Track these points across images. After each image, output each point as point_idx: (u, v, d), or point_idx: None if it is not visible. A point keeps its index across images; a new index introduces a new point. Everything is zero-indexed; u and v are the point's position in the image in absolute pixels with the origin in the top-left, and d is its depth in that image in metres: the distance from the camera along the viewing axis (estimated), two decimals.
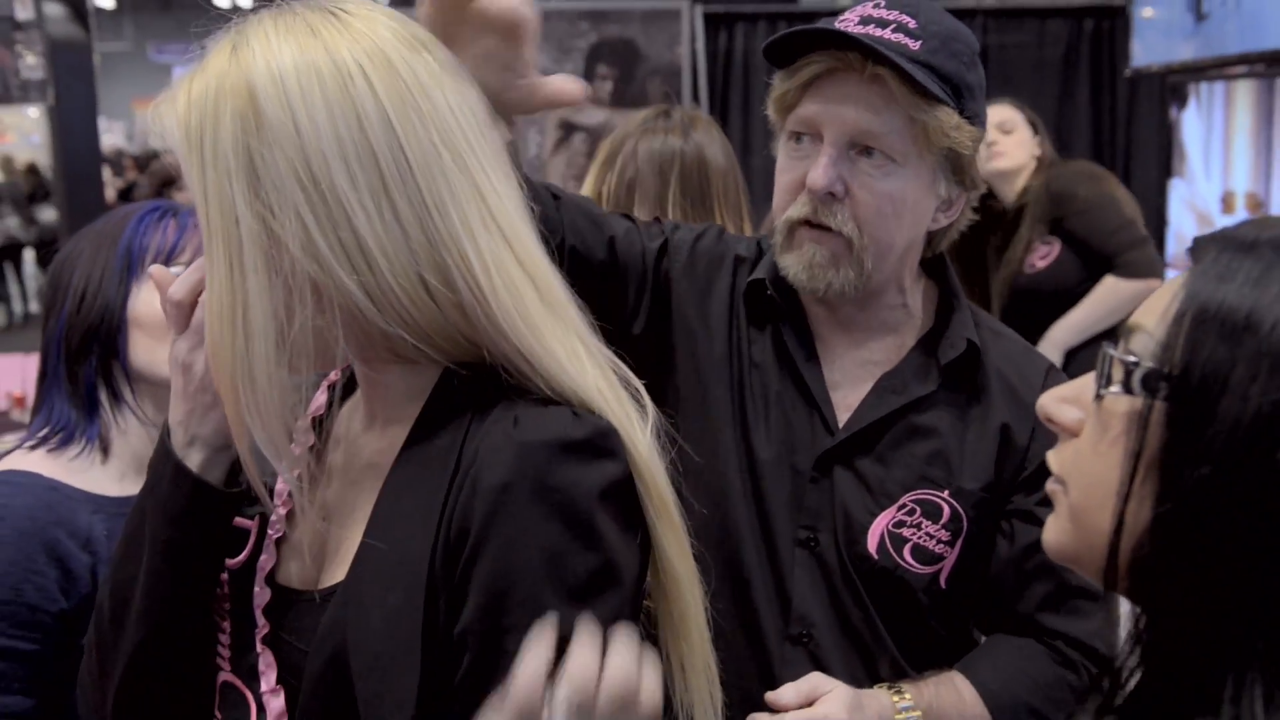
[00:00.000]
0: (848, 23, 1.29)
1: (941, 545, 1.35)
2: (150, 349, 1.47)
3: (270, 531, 1.06)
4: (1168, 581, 0.67)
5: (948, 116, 1.27)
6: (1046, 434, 1.35)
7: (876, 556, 1.35)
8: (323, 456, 1.08)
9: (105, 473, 1.47)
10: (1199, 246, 0.72)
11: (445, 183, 0.91)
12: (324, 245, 0.88)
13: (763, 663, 1.36)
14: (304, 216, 0.88)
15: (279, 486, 1.07)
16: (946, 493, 1.36)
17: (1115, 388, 0.71)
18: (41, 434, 1.47)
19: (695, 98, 6.03)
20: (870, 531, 1.36)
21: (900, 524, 1.36)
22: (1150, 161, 6.14)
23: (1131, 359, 0.70)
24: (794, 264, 1.34)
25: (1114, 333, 0.74)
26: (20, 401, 4.61)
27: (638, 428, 0.94)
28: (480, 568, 0.87)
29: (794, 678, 1.32)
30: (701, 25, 6.09)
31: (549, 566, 0.85)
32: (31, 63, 4.19)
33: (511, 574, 0.85)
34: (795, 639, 1.36)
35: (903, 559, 1.35)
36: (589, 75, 5.95)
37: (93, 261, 1.47)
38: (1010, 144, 3.56)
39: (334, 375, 1.12)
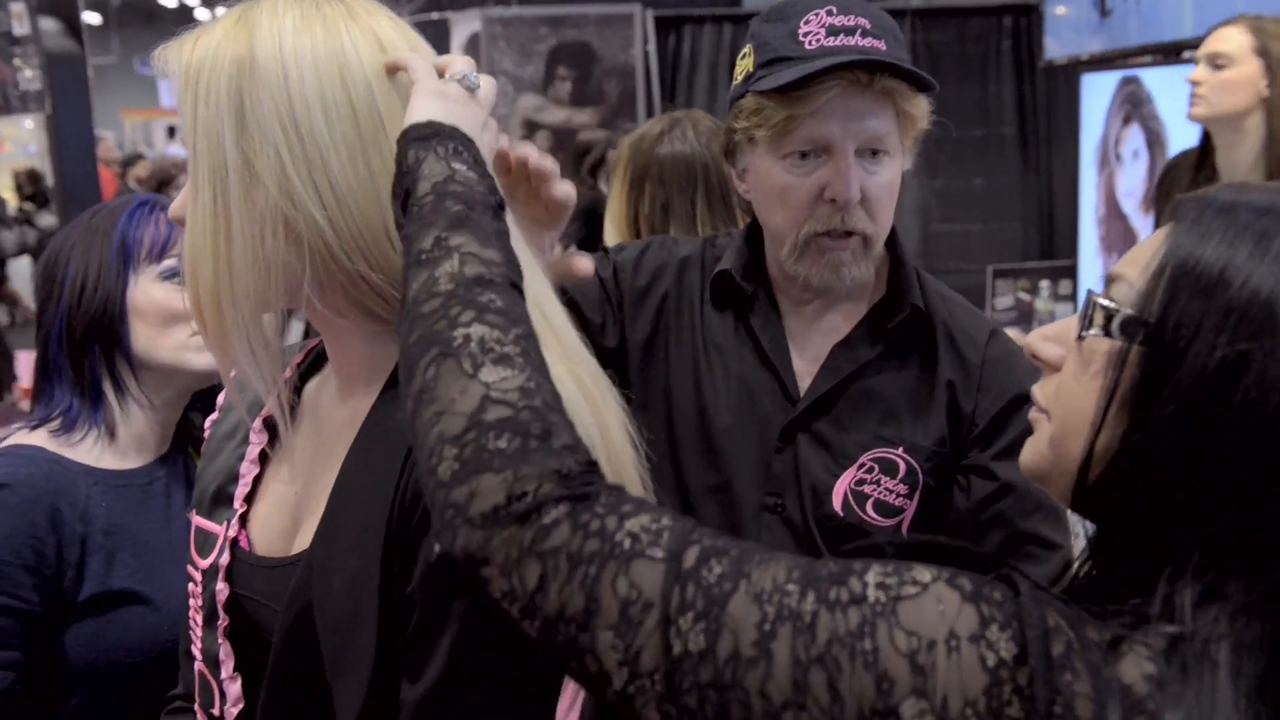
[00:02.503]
0: (816, 36, 1.29)
1: (900, 498, 1.36)
2: (150, 337, 1.44)
3: (236, 506, 1.07)
4: (1126, 499, 0.70)
5: (923, 102, 1.32)
6: (992, 392, 1.36)
7: (842, 514, 1.35)
8: (292, 427, 1.08)
9: (109, 452, 1.45)
10: (1180, 206, 0.74)
11: None
12: (298, 182, 0.90)
13: None
14: (282, 155, 0.90)
15: (244, 467, 1.09)
16: (901, 449, 1.36)
17: (1096, 330, 0.73)
18: (43, 417, 1.45)
19: (648, 94, 6.07)
20: (834, 492, 1.36)
21: (861, 482, 1.36)
22: (1071, 145, 6.24)
23: (1112, 305, 0.72)
24: (817, 271, 1.35)
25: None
26: (28, 393, 4.61)
27: (596, 401, 0.93)
28: (429, 536, 0.87)
29: None
30: (653, 28, 6.11)
31: None
32: (29, 75, 4.18)
33: None
34: None
35: (866, 514, 1.35)
36: (549, 76, 5.98)
37: (87, 255, 1.44)
38: (1214, 85, 2.47)
39: (299, 356, 1.12)
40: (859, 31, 1.28)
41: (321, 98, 0.91)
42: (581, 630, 0.70)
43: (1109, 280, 0.75)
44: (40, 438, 1.42)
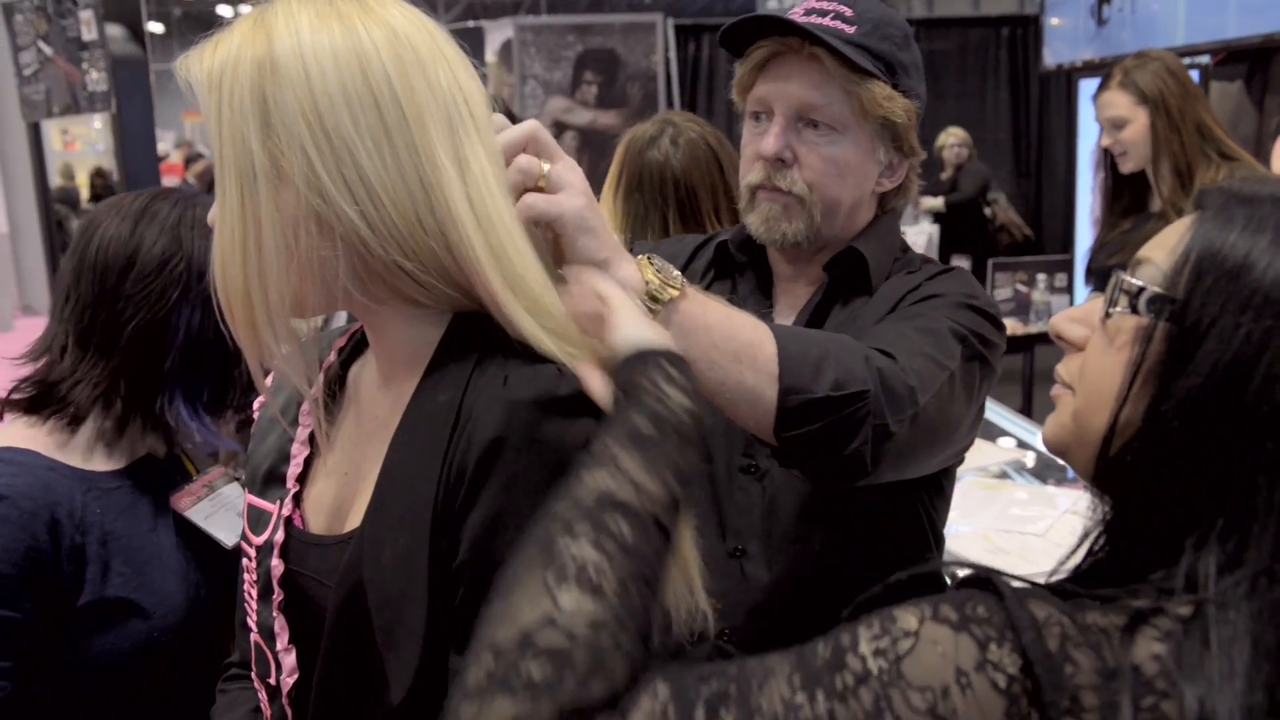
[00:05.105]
0: (794, 14, 1.28)
1: None
2: None
3: (289, 485, 1.03)
4: (1149, 469, 0.68)
5: (880, 89, 1.25)
6: (928, 275, 1.27)
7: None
8: (334, 413, 1.04)
9: (98, 455, 1.34)
10: (1204, 195, 0.73)
11: (434, 139, 0.88)
12: (327, 179, 0.85)
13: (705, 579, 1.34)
14: (309, 152, 0.85)
15: (295, 448, 1.05)
16: None
17: (1123, 308, 0.72)
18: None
19: (669, 98, 6.02)
20: None
21: None
22: (1060, 148, 6.18)
23: (1139, 284, 0.72)
24: (754, 221, 1.33)
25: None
26: None
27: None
28: (476, 512, 0.85)
29: (735, 591, 1.29)
30: (673, 36, 6.08)
31: (536, 509, 0.81)
32: (96, 77, 4.16)
33: (502, 516, 0.84)
34: (731, 553, 1.33)
35: None
36: (576, 80, 5.93)
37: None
38: (1125, 143, 2.69)
39: (342, 340, 1.08)
40: (831, 14, 1.26)
41: (344, 92, 0.85)
42: None
43: (1135, 263, 0.74)
44: (39, 441, 1.32)
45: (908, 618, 0.63)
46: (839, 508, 1.29)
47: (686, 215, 1.98)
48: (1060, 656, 0.60)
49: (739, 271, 1.42)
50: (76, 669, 1.29)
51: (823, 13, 1.26)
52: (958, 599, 0.63)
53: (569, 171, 0.97)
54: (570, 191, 0.96)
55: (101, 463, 1.34)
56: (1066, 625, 0.62)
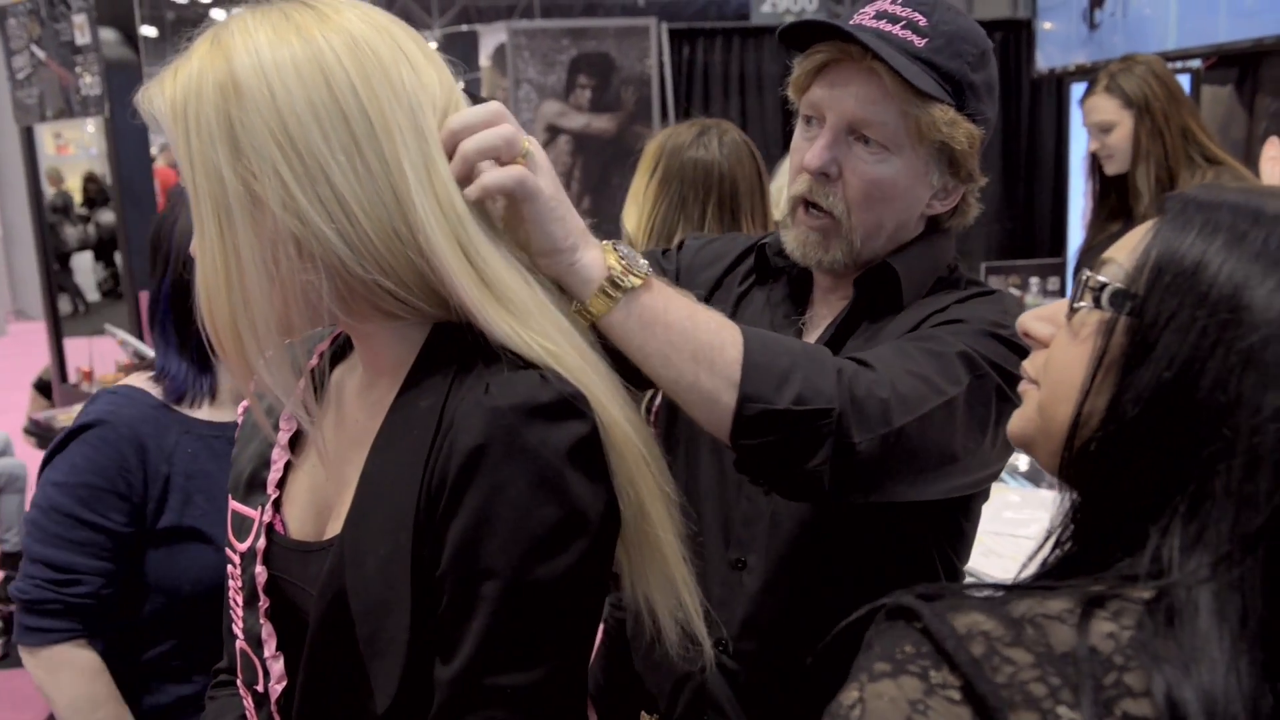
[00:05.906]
0: (864, 16, 1.21)
1: None
2: None
3: (269, 491, 1.03)
4: (1113, 458, 0.71)
5: (942, 113, 1.17)
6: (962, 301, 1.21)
7: None
8: (317, 416, 1.03)
9: (209, 407, 1.58)
10: (1167, 200, 0.76)
11: (400, 148, 0.86)
12: (303, 199, 0.83)
13: (706, 588, 1.29)
14: (283, 174, 0.82)
15: (275, 453, 1.04)
16: None
17: (1087, 304, 0.76)
18: (162, 382, 1.58)
19: (663, 101, 6.00)
20: None
21: None
22: (1051, 152, 6.19)
23: (1104, 280, 0.75)
24: (791, 241, 1.27)
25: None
26: (88, 375, 4.58)
27: (604, 389, 0.90)
28: (458, 520, 0.84)
29: (733, 602, 1.28)
30: (667, 40, 6.06)
31: (518, 517, 0.82)
32: (89, 81, 4.14)
33: (484, 525, 0.82)
34: (733, 564, 1.30)
35: None
36: (570, 84, 5.91)
37: (190, 225, 1.46)
38: (1111, 146, 2.73)
39: (324, 344, 1.07)
40: (903, 23, 1.17)
41: (312, 108, 0.83)
42: None
43: (1100, 263, 0.77)
44: (151, 385, 1.57)
45: (849, 693, 0.65)
46: (841, 531, 1.25)
47: (724, 210, 2.03)
48: (988, 659, 0.62)
49: (774, 277, 1.37)
50: (152, 586, 1.52)
51: (895, 19, 1.18)
52: (885, 650, 0.65)
53: (540, 153, 0.95)
54: (544, 173, 0.94)
55: (211, 414, 1.59)
56: (992, 629, 0.63)
